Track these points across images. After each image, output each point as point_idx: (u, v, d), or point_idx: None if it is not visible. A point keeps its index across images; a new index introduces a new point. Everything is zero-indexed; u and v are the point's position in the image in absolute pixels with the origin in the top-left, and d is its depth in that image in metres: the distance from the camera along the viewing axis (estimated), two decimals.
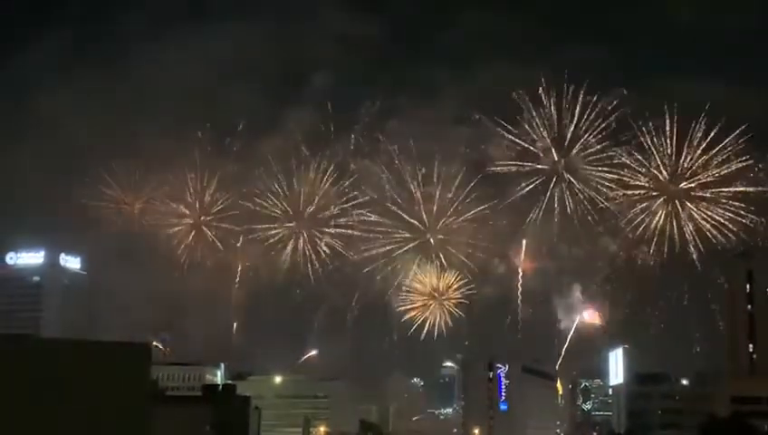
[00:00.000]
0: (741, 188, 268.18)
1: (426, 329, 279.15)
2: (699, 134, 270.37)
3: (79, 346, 78.42)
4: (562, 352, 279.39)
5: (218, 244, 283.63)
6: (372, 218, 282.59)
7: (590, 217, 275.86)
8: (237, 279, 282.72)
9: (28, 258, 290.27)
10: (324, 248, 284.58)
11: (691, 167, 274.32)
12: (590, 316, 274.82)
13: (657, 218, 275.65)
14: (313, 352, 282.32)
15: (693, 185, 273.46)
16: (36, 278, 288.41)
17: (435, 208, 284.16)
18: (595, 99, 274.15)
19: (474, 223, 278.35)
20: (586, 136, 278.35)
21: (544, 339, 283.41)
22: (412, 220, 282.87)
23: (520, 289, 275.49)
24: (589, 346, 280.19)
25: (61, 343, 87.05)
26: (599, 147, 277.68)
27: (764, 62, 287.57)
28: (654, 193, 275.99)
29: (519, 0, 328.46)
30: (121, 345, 78.32)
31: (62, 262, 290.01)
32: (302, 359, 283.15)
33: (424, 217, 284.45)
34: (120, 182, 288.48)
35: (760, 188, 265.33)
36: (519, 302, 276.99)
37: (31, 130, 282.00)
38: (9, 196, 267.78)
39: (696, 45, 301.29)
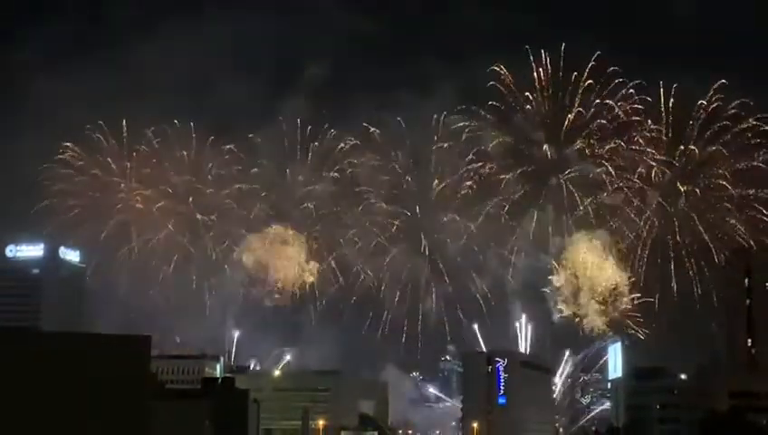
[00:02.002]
0: (740, 190, 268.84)
1: (420, 322, 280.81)
2: (696, 133, 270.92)
3: (79, 339, 78.63)
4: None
5: (213, 246, 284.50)
6: (367, 217, 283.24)
7: (583, 210, 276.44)
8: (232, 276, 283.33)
9: (27, 251, 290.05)
10: (320, 248, 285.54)
11: (689, 162, 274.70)
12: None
13: (654, 215, 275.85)
14: (288, 358, 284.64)
15: (690, 187, 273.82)
16: (35, 271, 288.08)
17: (430, 204, 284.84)
18: (593, 96, 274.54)
19: (468, 218, 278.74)
20: (584, 131, 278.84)
21: (542, 333, 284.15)
22: (407, 213, 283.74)
23: (512, 281, 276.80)
24: (587, 340, 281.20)
25: (61, 336, 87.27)
26: (597, 143, 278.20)
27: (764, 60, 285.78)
28: (651, 189, 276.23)
29: None
30: (121, 338, 78.41)
31: (61, 255, 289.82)
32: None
33: (418, 212, 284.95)
34: (116, 176, 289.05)
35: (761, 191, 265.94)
36: (515, 294, 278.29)
37: (29, 123, 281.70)
38: (8, 189, 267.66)
39: (698, 41, 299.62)
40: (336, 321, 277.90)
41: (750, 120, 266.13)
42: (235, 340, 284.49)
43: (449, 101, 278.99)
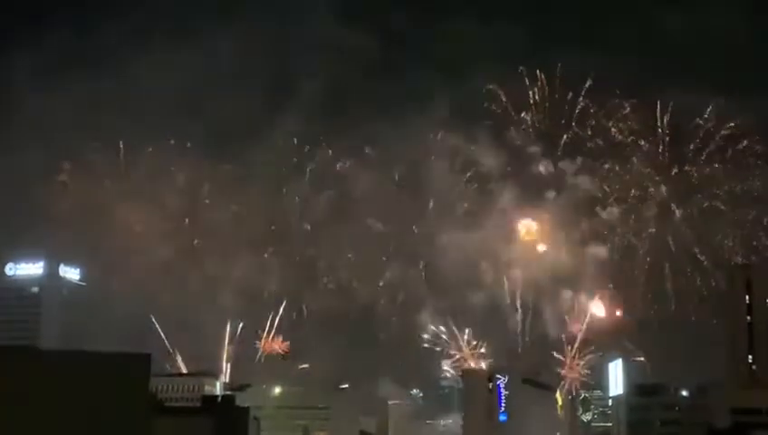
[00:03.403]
0: (738, 211, 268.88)
1: (419, 338, 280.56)
2: (692, 147, 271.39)
3: (79, 357, 78.44)
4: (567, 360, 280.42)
5: (210, 266, 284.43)
6: (364, 235, 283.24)
7: (580, 229, 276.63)
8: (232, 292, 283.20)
9: (27, 269, 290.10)
10: (317, 263, 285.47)
11: (686, 182, 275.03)
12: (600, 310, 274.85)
13: (652, 230, 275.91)
14: (305, 365, 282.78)
15: (687, 208, 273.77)
16: (35, 289, 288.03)
17: (427, 221, 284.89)
18: (589, 115, 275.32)
19: (465, 235, 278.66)
20: (580, 150, 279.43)
21: (540, 349, 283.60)
22: (404, 231, 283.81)
23: (509, 298, 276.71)
24: (587, 357, 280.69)
25: (61, 355, 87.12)
26: (593, 162, 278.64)
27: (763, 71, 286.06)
28: (648, 208, 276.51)
29: (514, 10, 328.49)
30: (121, 356, 78.15)
31: (61, 273, 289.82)
32: (299, 368, 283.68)
33: (415, 229, 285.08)
34: (114, 197, 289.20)
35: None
36: (514, 310, 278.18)
37: (28, 141, 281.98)
38: (8, 207, 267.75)
39: (695, 60, 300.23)
40: (334, 338, 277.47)
41: (746, 140, 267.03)
42: (233, 358, 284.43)
43: (446, 119, 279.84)
